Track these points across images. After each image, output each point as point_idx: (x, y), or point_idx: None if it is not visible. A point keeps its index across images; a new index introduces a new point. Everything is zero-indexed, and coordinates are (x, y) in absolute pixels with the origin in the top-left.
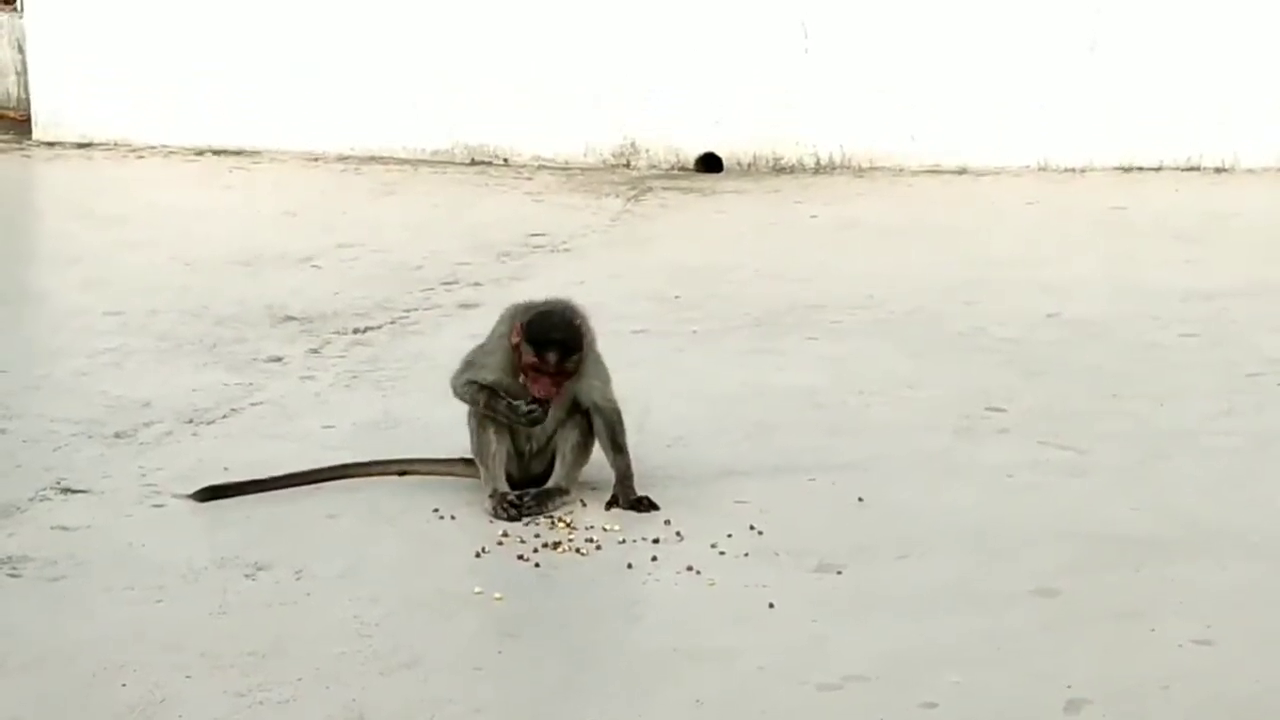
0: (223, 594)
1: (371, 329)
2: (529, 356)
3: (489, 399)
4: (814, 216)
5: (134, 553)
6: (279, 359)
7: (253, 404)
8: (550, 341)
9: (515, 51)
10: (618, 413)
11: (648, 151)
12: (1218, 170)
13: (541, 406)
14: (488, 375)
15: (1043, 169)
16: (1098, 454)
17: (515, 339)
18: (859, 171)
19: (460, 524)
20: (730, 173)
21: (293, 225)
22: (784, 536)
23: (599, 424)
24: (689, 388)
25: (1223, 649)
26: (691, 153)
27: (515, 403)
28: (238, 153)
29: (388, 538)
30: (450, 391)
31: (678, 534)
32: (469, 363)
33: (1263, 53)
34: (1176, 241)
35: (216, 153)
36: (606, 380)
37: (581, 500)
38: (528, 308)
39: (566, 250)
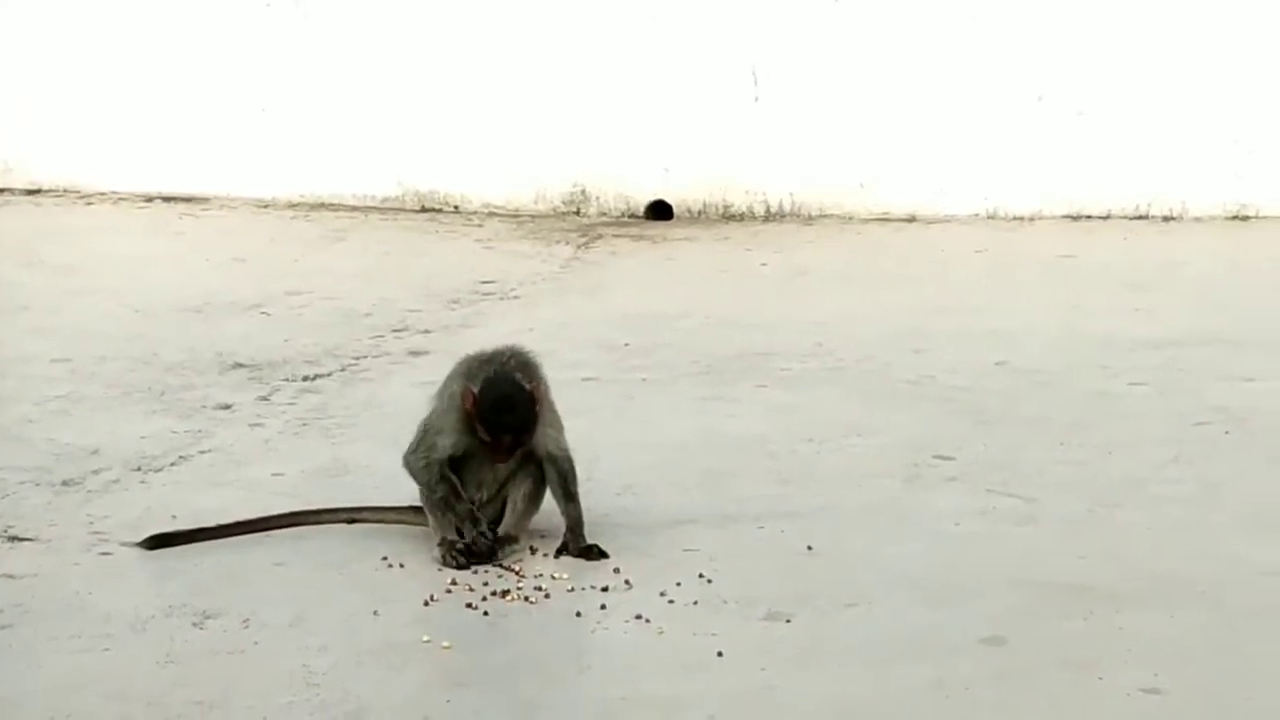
0: (170, 643)
1: (321, 376)
2: (484, 434)
3: (449, 494)
4: (764, 264)
5: (81, 601)
6: (228, 406)
7: (201, 451)
8: (505, 426)
9: (466, 98)
10: (570, 462)
11: (598, 199)
12: (1166, 219)
13: (491, 535)
14: (445, 442)
15: (991, 217)
16: (1046, 502)
17: (469, 406)
18: (808, 219)
19: (409, 572)
20: (680, 220)
21: (242, 272)
22: (733, 585)
23: (551, 473)
24: (639, 436)
25: (1171, 697)
26: (642, 200)
27: (478, 517)
28: (188, 199)
29: (336, 586)
30: (404, 465)
31: (627, 582)
32: (424, 434)
33: (1210, 103)
34: (1125, 290)
35: (166, 199)
36: (560, 429)
37: (531, 548)
38: (483, 363)
39: (516, 298)
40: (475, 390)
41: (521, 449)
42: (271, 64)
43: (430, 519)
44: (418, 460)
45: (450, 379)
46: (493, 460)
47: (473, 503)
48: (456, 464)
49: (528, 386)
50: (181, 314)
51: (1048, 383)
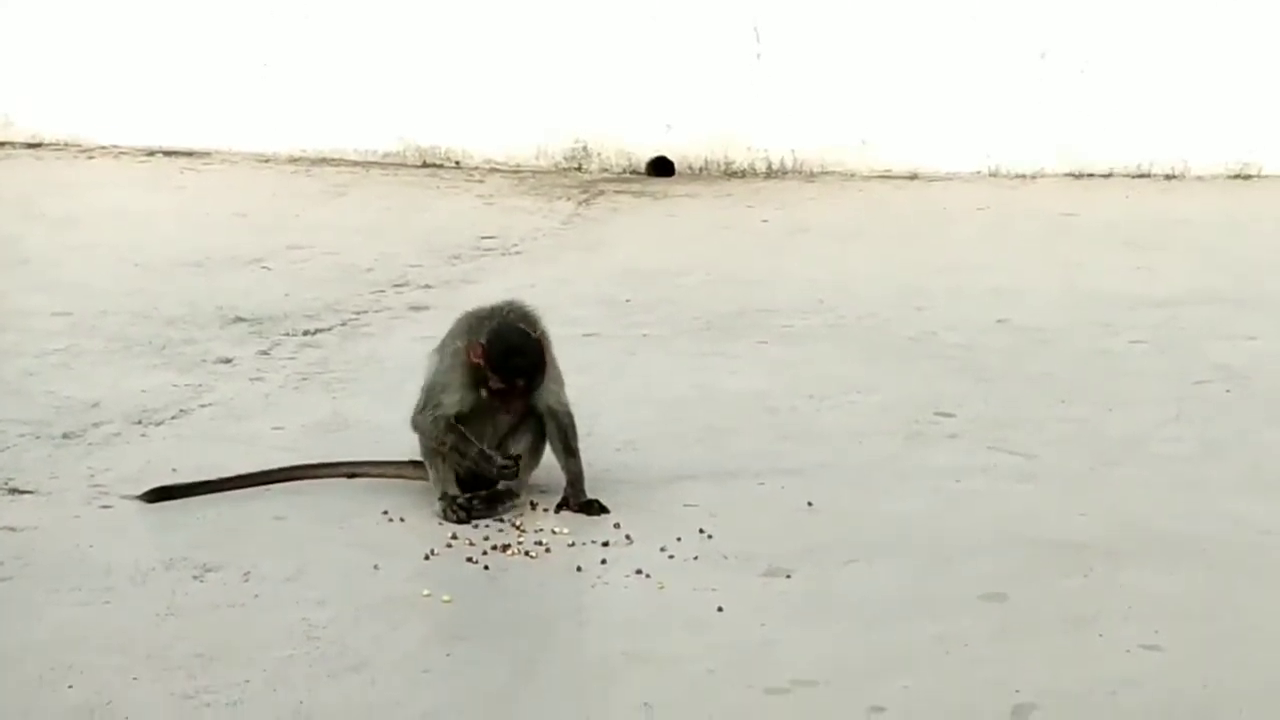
0: (170, 596)
1: (322, 331)
2: (495, 383)
3: (458, 442)
4: (765, 221)
5: (81, 554)
6: (228, 360)
7: (202, 405)
8: (517, 370)
9: (467, 54)
10: (571, 417)
11: (599, 155)
12: (1168, 177)
13: (515, 463)
14: (452, 399)
15: (993, 175)
16: (1047, 460)
17: (476, 359)
18: (810, 176)
19: (409, 526)
20: (682, 176)
21: (243, 226)
22: (733, 540)
23: (552, 428)
24: (639, 391)
25: (1171, 654)
26: (643, 156)
27: (490, 454)
28: (188, 154)
29: (336, 540)
30: (413, 427)
31: (627, 537)
32: (429, 393)
33: (1213, 60)
34: (1126, 248)
35: (167, 153)
36: (561, 384)
37: (531, 503)
38: (482, 319)
39: (517, 253)
40: (482, 342)
41: (532, 393)
42: (273, 18)
43: (431, 473)
44: (425, 418)
45: (451, 336)
46: (503, 409)
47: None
48: (459, 421)
49: (534, 333)
50: (182, 268)
51: (1049, 340)
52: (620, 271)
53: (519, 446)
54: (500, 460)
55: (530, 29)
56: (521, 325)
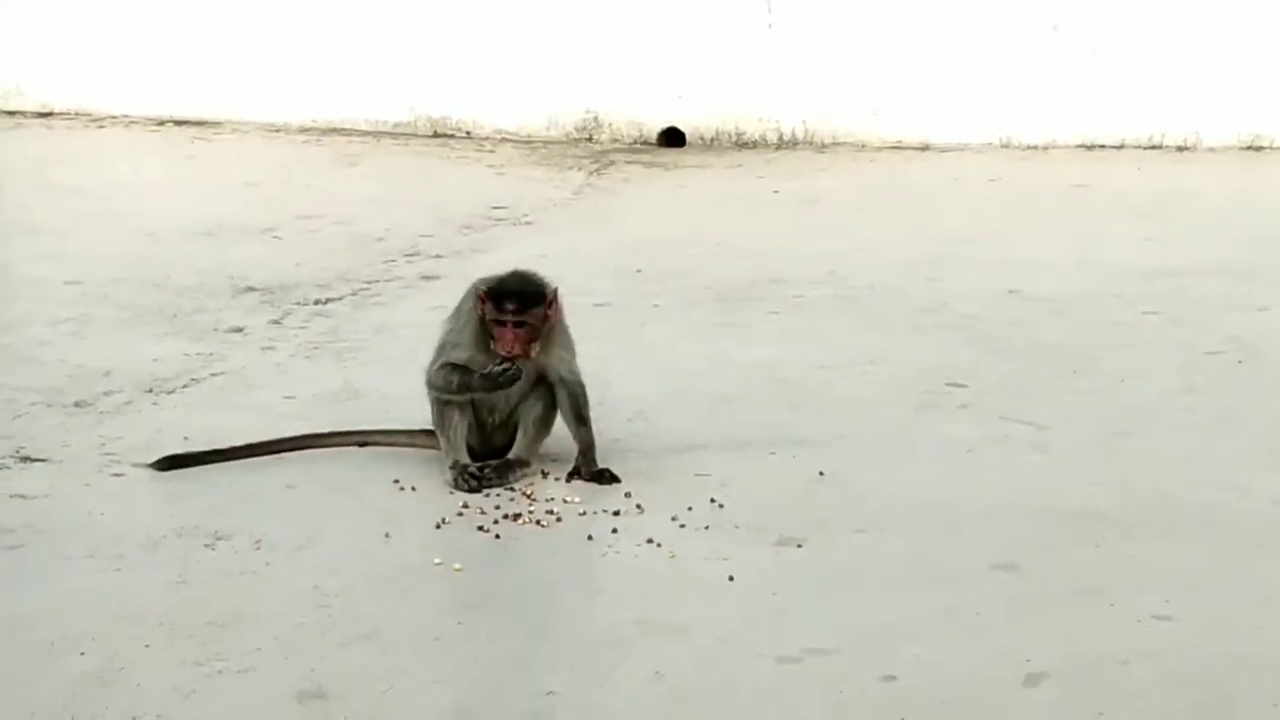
0: (182, 563)
1: (333, 300)
2: (491, 313)
3: (462, 378)
4: (776, 192)
5: (93, 522)
6: (240, 329)
7: (213, 374)
8: (508, 293)
9: (478, 24)
10: (582, 386)
11: (610, 125)
12: (1180, 149)
13: (513, 364)
14: (461, 354)
15: (1005, 146)
16: (1058, 430)
17: (480, 306)
18: (821, 147)
19: (421, 495)
20: (693, 147)
21: (254, 196)
22: (744, 510)
23: (563, 397)
24: (650, 361)
25: (1182, 624)
26: (654, 127)
27: (487, 370)
28: (199, 123)
29: (347, 508)
30: (426, 384)
31: (638, 506)
32: (439, 349)
33: (1225, 32)
34: (1138, 219)
35: (178, 123)
36: (573, 353)
37: (542, 472)
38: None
39: (528, 223)
40: (482, 287)
41: (533, 335)
42: None
43: (442, 442)
44: (433, 369)
45: (464, 298)
46: (502, 347)
47: (482, 426)
48: None
49: (537, 279)
50: (193, 238)
51: (1060, 311)
52: (631, 242)
53: (529, 416)
54: (497, 367)
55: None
56: (528, 274)
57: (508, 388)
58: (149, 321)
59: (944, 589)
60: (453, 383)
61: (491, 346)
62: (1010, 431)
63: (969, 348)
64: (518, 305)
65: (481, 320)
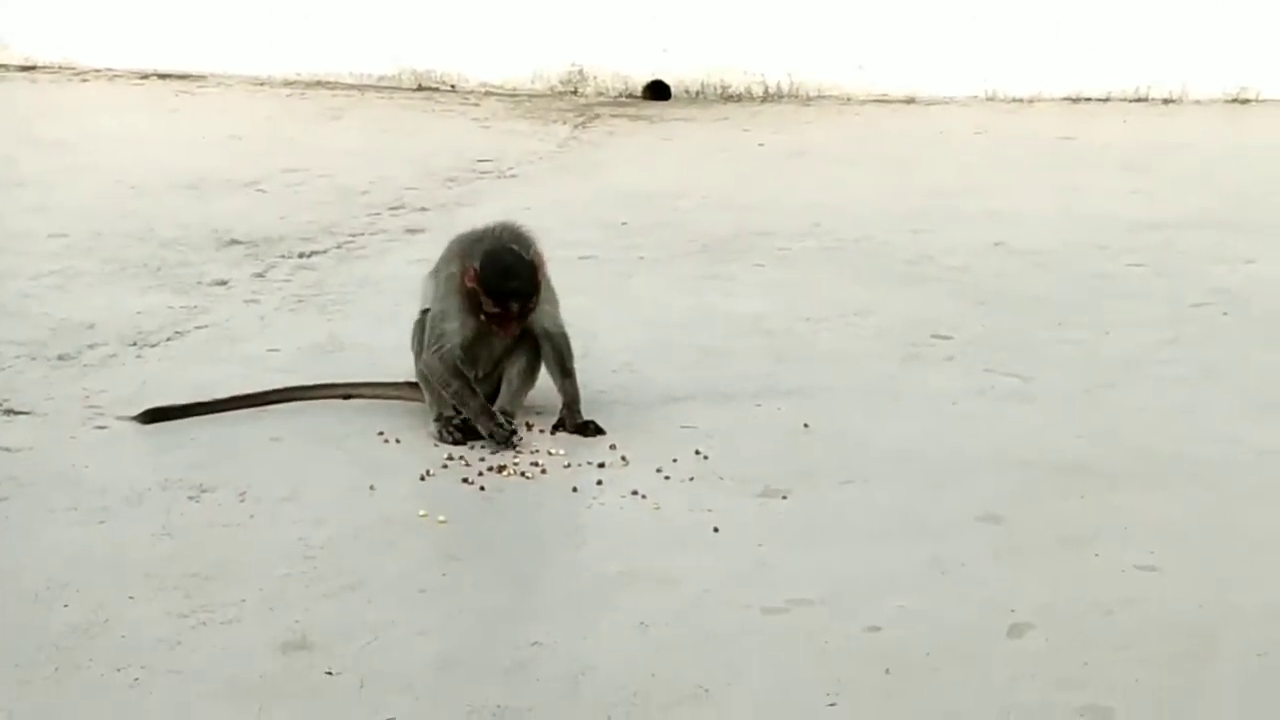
0: (166, 515)
1: (317, 253)
2: (490, 307)
3: (461, 390)
4: (761, 145)
5: (77, 474)
6: (224, 282)
7: (197, 327)
8: (511, 293)
9: None
10: (566, 338)
11: (595, 79)
12: (1166, 101)
13: (512, 433)
14: (453, 327)
15: (991, 99)
16: (1043, 382)
17: (470, 284)
18: (807, 100)
19: (405, 447)
20: (678, 100)
21: (238, 149)
22: (729, 462)
23: (547, 349)
24: (636, 314)
25: (1166, 575)
26: (639, 80)
27: (492, 412)
28: (183, 77)
29: (332, 461)
30: (420, 362)
31: (623, 459)
32: (432, 326)
33: None
34: (1124, 172)
35: (162, 76)
36: (556, 306)
37: (527, 424)
38: (475, 241)
39: (513, 176)
40: (475, 266)
41: (526, 316)
42: None
43: (427, 394)
44: (433, 359)
45: (445, 261)
46: (500, 333)
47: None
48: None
49: (527, 255)
50: (177, 191)
51: (1046, 263)
52: (616, 194)
53: (514, 369)
54: (498, 423)
55: None
56: (514, 247)
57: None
58: (133, 274)
59: (929, 540)
60: (450, 387)
61: (482, 318)
62: (995, 383)
63: (954, 300)
64: (521, 305)
65: (470, 294)
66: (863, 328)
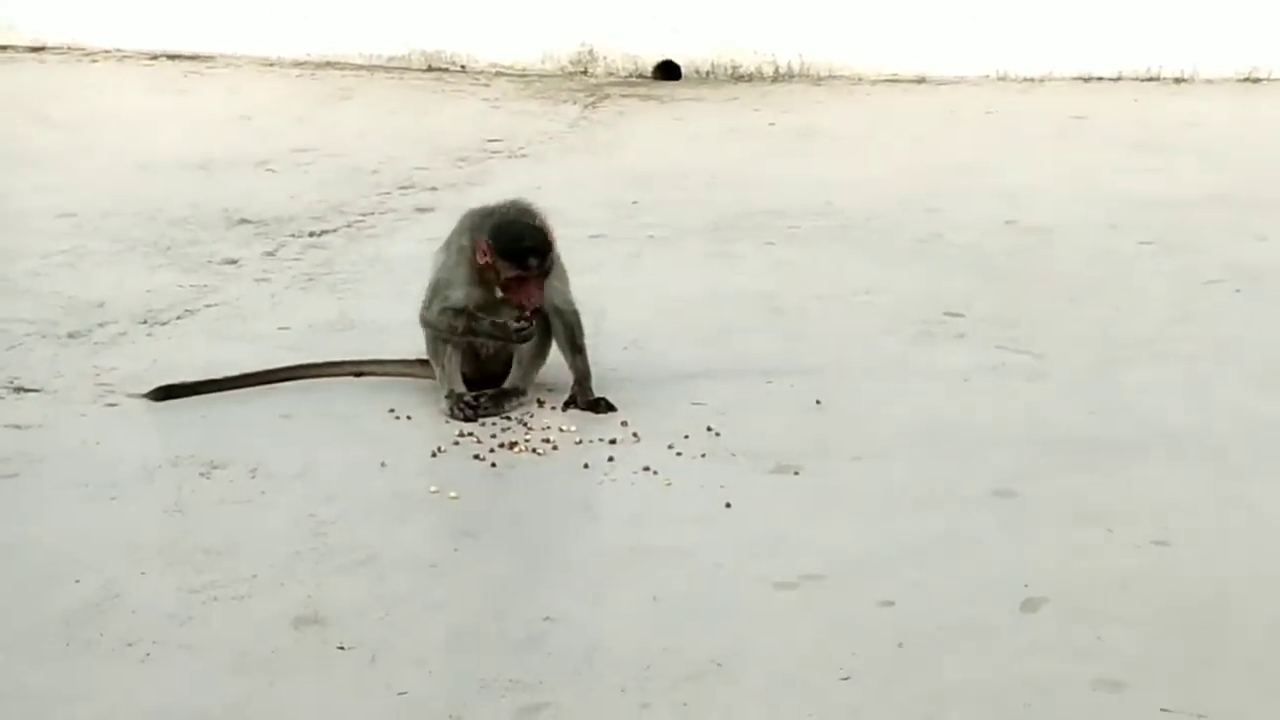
0: (177, 492)
1: (327, 232)
2: (509, 270)
3: (469, 324)
4: (772, 124)
5: (88, 451)
6: (234, 261)
7: (207, 305)
8: (527, 250)
9: None
10: (577, 315)
11: (605, 59)
12: (1177, 80)
13: (531, 324)
14: (458, 293)
15: (1002, 78)
16: (1055, 358)
17: (484, 258)
18: (817, 80)
19: (416, 424)
20: (688, 80)
21: (247, 130)
22: (741, 438)
23: (558, 326)
24: (646, 291)
25: (1179, 550)
26: (649, 60)
27: (500, 321)
28: (192, 57)
29: (343, 437)
30: (422, 322)
31: (634, 435)
32: (435, 288)
33: None
34: (1135, 150)
35: (171, 57)
36: (566, 283)
37: (538, 401)
38: (485, 215)
39: (524, 156)
40: (486, 238)
41: (546, 275)
42: None
43: (438, 371)
44: (433, 312)
45: (455, 234)
46: (522, 301)
47: (477, 355)
48: None
49: (538, 222)
50: (187, 170)
51: (1057, 241)
52: (627, 174)
53: (525, 345)
54: (515, 323)
55: None
56: (526, 215)
57: (517, 343)
58: (143, 253)
59: (941, 515)
60: (457, 328)
61: (497, 292)
62: (1007, 360)
63: (966, 277)
64: (540, 260)
65: (483, 266)
66: (874, 305)
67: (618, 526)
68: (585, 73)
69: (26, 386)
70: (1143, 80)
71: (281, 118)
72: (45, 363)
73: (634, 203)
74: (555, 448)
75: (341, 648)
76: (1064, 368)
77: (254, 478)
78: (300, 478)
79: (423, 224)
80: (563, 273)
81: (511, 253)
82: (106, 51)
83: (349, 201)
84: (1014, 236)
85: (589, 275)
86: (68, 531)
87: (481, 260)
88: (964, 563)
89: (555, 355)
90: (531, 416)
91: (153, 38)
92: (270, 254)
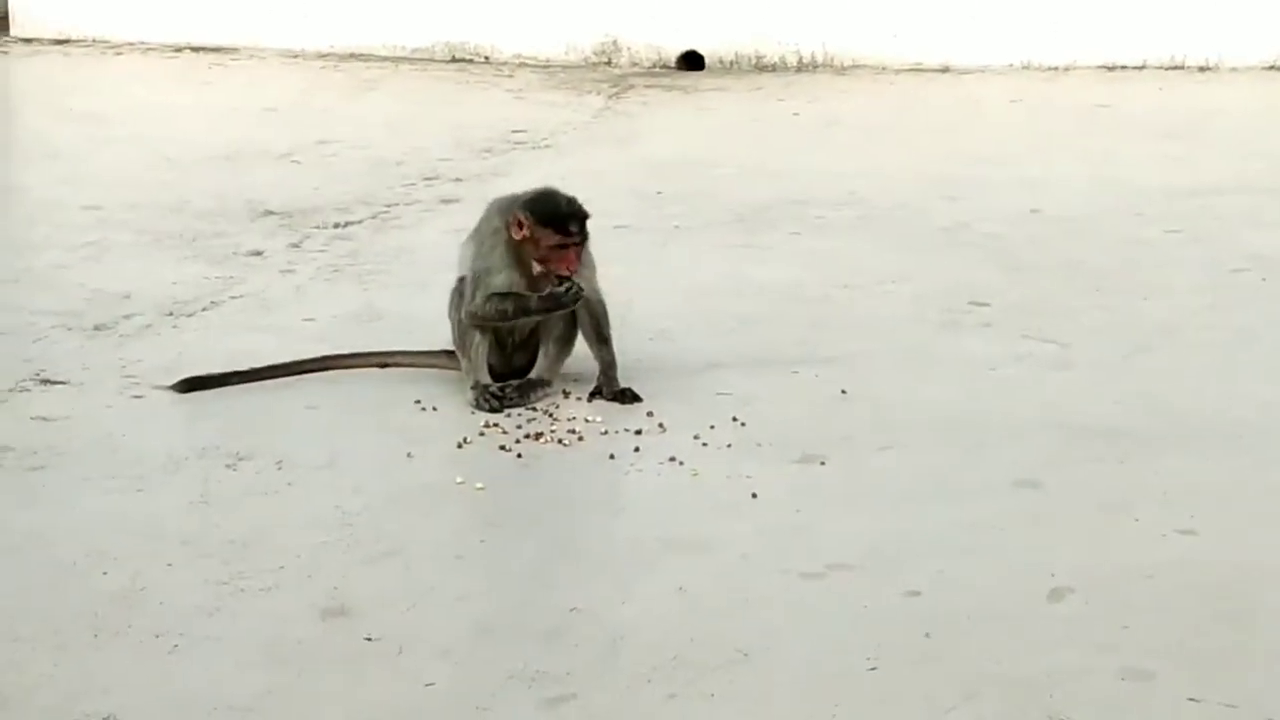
0: (203, 484)
1: (352, 223)
2: (550, 239)
3: (517, 304)
4: (796, 114)
5: (114, 443)
6: (259, 253)
7: (233, 297)
8: (566, 216)
9: None
10: (603, 305)
11: (629, 49)
12: (1201, 69)
13: (574, 282)
14: (499, 278)
15: (1026, 67)
16: (1081, 347)
17: (521, 232)
18: (841, 70)
19: (442, 415)
20: (712, 70)
21: (272, 121)
22: (767, 428)
23: (584, 316)
24: (672, 282)
25: (1205, 539)
26: (673, 50)
27: (546, 293)
28: (216, 50)
29: (369, 429)
30: (467, 320)
31: (660, 425)
32: (475, 280)
33: None
34: (1160, 139)
35: (195, 50)
36: (594, 272)
37: (564, 391)
38: (511, 200)
39: (548, 147)
40: (523, 211)
41: (585, 240)
42: None
43: (463, 362)
44: (478, 303)
45: (485, 220)
46: (562, 268)
47: (503, 346)
48: None
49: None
50: (211, 162)
51: (1082, 230)
52: (651, 164)
53: (550, 336)
54: (561, 288)
55: None
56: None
57: (571, 306)
58: (168, 245)
59: (967, 504)
60: (507, 311)
61: (540, 270)
62: (1033, 349)
63: (991, 267)
64: (580, 225)
65: (520, 243)
66: (899, 295)
67: (643, 517)
68: (609, 63)
69: (53, 379)
70: (1167, 69)
71: (306, 109)
72: (71, 355)
73: (659, 193)
74: (581, 438)
75: (369, 639)
76: (1089, 357)
77: (280, 469)
78: (326, 469)
79: (448, 215)
80: (590, 262)
81: (552, 218)
82: (131, 44)
83: (373, 193)
84: (1039, 225)
85: (615, 266)
86: (94, 523)
87: (519, 235)
88: (990, 552)
89: (581, 346)
90: (557, 407)
91: (177, 30)
92: (295, 245)
